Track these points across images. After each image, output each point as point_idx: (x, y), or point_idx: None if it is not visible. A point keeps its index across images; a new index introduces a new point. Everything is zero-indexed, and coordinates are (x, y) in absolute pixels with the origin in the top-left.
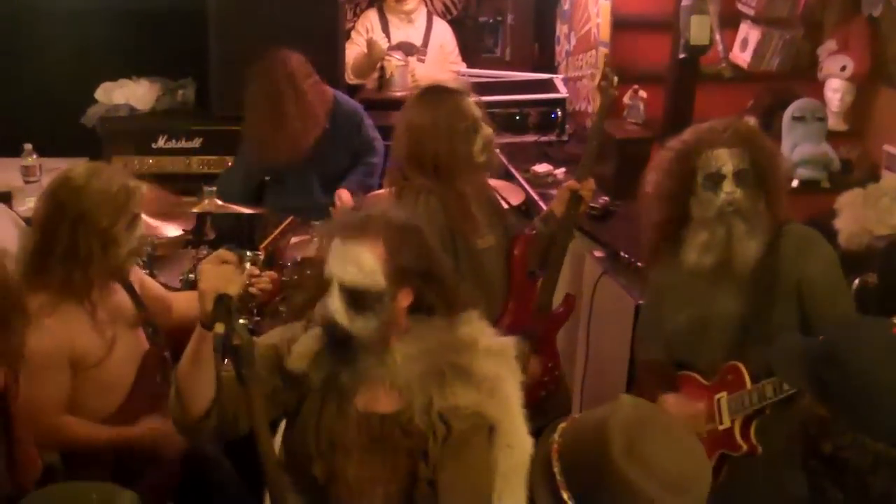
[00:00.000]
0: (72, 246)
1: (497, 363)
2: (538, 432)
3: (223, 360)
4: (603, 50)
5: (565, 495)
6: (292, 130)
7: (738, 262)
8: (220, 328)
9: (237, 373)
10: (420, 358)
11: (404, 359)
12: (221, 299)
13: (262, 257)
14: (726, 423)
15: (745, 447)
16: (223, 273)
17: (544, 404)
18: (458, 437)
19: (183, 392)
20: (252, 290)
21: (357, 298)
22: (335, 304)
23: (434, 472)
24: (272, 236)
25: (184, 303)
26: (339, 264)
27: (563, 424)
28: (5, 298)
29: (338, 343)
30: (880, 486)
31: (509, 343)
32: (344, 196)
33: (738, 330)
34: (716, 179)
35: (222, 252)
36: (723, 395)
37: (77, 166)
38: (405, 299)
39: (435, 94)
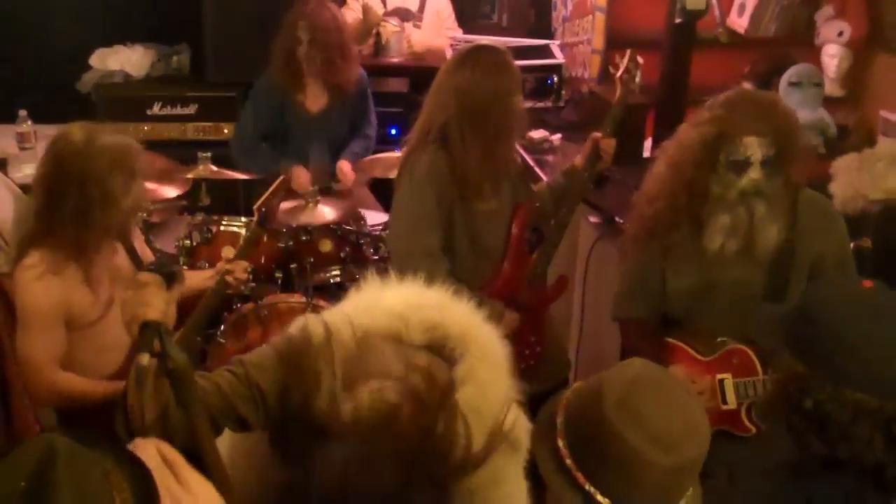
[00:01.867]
0: (72, 204)
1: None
2: (530, 401)
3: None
4: (599, 15)
5: (560, 443)
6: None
7: (760, 247)
8: (143, 360)
9: (176, 398)
10: None
11: None
12: (146, 326)
13: (255, 219)
14: (731, 405)
15: (753, 430)
16: (142, 299)
17: (527, 374)
18: None
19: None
20: (228, 278)
21: None
22: None
23: None
24: (264, 196)
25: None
26: None
27: (579, 383)
28: None
29: None
30: (862, 435)
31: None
32: (345, 168)
33: (748, 300)
34: (742, 166)
35: (140, 275)
36: (727, 376)
37: (74, 125)
38: None
39: (485, 52)
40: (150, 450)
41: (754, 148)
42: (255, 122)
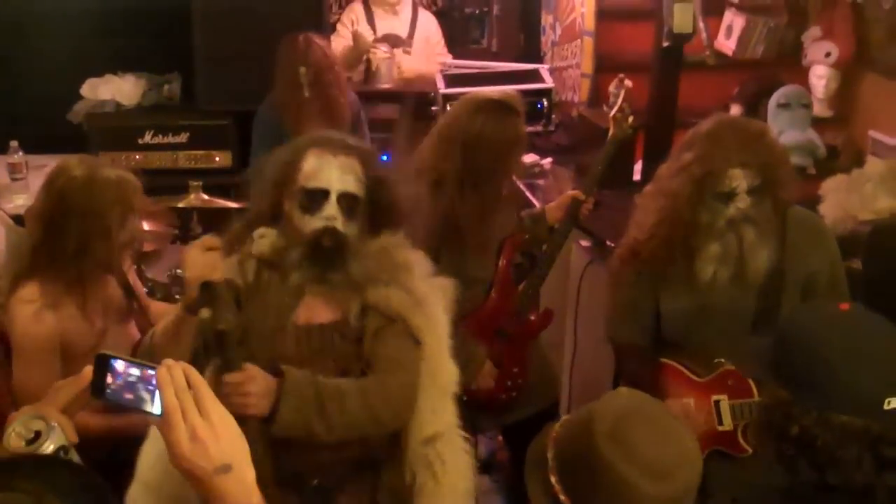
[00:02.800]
0: (73, 238)
1: (431, 288)
2: (520, 425)
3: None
4: (588, 39)
5: (553, 478)
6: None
7: (751, 271)
8: (205, 313)
9: (223, 357)
10: (369, 264)
11: (359, 263)
12: (207, 286)
13: None
14: (727, 426)
15: (750, 450)
16: (208, 260)
17: (511, 404)
18: (385, 328)
19: None
20: None
21: (350, 206)
22: (333, 211)
23: (366, 365)
24: None
25: (160, 314)
26: (336, 174)
27: (567, 416)
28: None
29: (334, 249)
30: (850, 457)
31: (447, 282)
32: None
33: (745, 321)
34: (728, 196)
35: (207, 239)
36: (723, 398)
37: (72, 159)
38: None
39: (502, 110)
40: (176, 371)
41: (739, 179)
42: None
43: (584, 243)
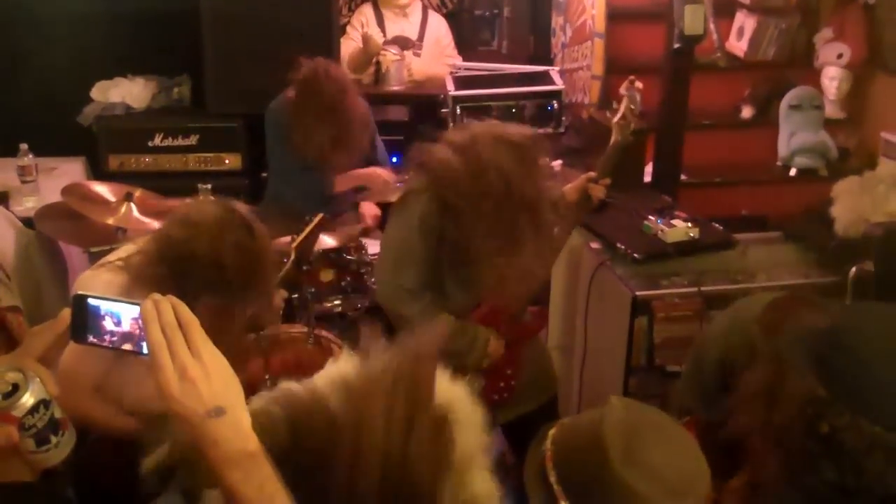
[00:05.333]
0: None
1: None
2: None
3: None
4: (598, 41)
5: None
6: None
7: None
8: None
9: None
10: None
11: None
12: None
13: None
14: None
15: None
16: None
17: (503, 405)
18: None
19: None
20: None
21: None
22: None
23: None
24: (303, 235)
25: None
26: None
27: (552, 431)
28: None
29: None
30: (874, 468)
31: None
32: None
33: None
34: None
35: None
36: None
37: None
38: None
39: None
40: (163, 305)
41: None
42: (291, 158)
43: (595, 245)
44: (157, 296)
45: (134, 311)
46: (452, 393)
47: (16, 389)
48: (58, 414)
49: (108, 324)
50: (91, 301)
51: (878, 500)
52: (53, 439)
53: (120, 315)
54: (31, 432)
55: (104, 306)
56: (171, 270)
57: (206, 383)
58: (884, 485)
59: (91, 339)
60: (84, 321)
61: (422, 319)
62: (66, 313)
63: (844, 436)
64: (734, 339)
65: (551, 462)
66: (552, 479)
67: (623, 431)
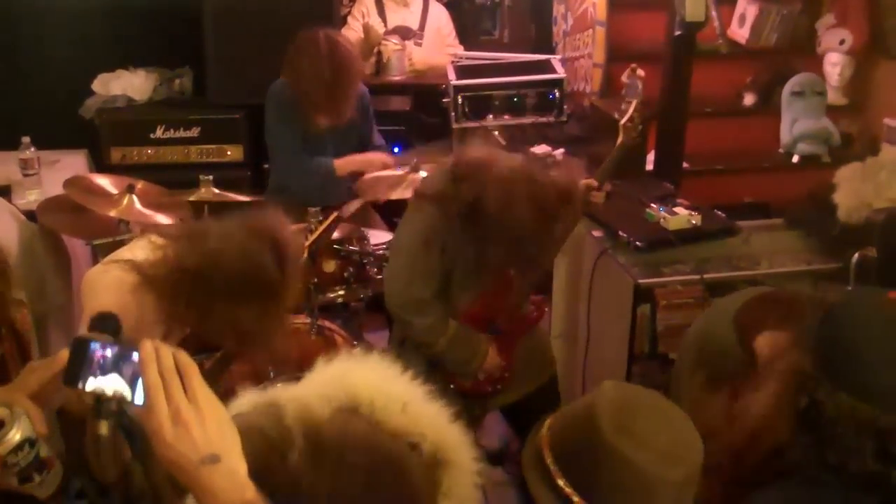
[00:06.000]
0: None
1: None
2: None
3: None
4: (600, 29)
5: (561, 482)
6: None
7: None
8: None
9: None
10: None
11: None
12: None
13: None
14: None
15: None
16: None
17: (497, 393)
18: None
19: None
20: None
21: None
22: None
23: None
24: (317, 233)
25: None
26: None
27: (549, 420)
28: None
29: None
30: (848, 437)
31: None
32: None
33: None
34: None
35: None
36: None
37: None
38: None
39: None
40: (163, 350)
41: None
42: (293, 136)
43: (597, 234)
44: (158, 344)
45: (134, 355)
46: (449, 435)
47: (1, 426)
48: (43, 453)
49: (104, 369)
50: (94, 346)
51: (861, 481)
52: (37, 478)
53: (119, 359)
54: (14, 470)
55: (104, 352)
56: (192, 278)
57: (201, 429)
58: (862, 459)
59: (81, 385)
60: (80, 366)
61: (429, 333)
62: (64, 354)
63: (822, 408)
64: (712, 345)
65: (548, 447)
66: (548, 460)
67: (616, 406)
